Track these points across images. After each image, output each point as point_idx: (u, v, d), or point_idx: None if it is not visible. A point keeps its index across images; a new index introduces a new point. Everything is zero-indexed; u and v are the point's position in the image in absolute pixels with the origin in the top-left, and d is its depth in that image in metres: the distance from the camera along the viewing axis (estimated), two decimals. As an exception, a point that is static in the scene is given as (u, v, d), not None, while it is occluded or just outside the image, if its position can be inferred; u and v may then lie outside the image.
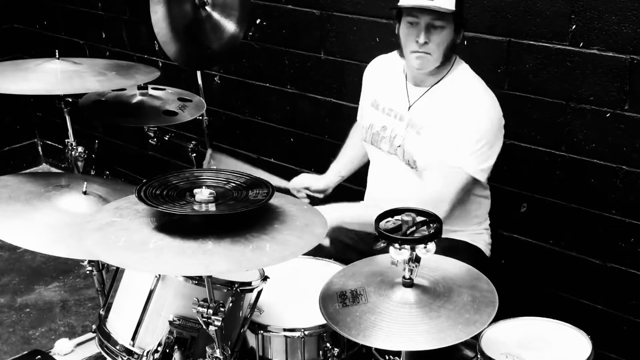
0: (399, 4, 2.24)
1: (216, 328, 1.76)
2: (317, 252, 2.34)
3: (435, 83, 2.33)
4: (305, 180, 2.64)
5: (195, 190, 1.77)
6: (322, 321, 1.79)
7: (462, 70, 2.34)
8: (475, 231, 2.47)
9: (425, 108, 2.33)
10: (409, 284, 1.73)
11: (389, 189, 2.45)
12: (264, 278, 2.00)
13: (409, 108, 2.37)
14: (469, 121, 2.22)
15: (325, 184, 2.64)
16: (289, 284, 2.25)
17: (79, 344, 2.51)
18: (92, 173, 4.06)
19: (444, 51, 2.24)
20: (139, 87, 2.66)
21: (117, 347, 1.96)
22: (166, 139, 2.73)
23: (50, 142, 4.99)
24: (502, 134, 2.29)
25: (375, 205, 2.34)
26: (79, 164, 2.61)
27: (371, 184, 2.58)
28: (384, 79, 2.48)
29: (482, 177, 2.27)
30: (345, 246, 2.48)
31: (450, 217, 2.26)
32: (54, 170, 4.99)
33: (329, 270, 2.09)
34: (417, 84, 2.37)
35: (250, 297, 2.00)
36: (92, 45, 4.29)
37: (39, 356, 2.42)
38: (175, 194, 1.81)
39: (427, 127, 2.30)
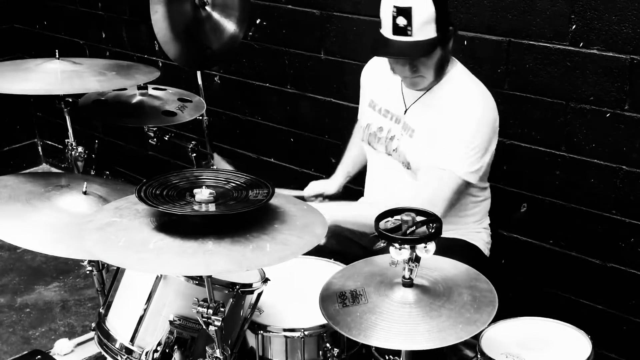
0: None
1: (216, 328, 1.76)
2: (320, 248, 2.34)
3: (431, 86, 2.32)
4: (318, 187, 2.67)
5: (195, 190, 1.77)
6: (322, 321, 1.79)
7: (457, 72, 2.33)
8: (474, 230, 2.46)
9: (421, 111, 2.33)
10: (408, 283, 1.73)
11: (385, 190, 2.45)
12: (265, 280, 2.00)
13: (405, 112, 2.37)
14: (460, 123, 2.21)
15: (337, 187, 2.68)
16: (289, 284, 2.25)
17: (79, 344, 2.51)
18: (92, 173, 4.08)
19: (435, 69, 2.24)
20: (139, 87, 2.66)
21: (117, 346, 1.96)
22: (166, 139, 2.73)
23: (50, 142, 4.99)
24: (496, 136, 2.27)
25: (371, 204, 2.33)
26: (79, 164, 2.61)
27: (368, 184, 2.58)
28: (380, 80, 2.47)
29: (474, 179, 2.24)
30: (348, 241, 2.48)
31: (445, 216, 2.25)
32: (54, 170, 4.99)
33: (329, 270, 2.09)
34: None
35: (251, 298, 2.00)
36: (92, 45, 4.29)
37: (39, 356, 2.42)
38: (175, 194, 1.81)
39: (420, 129, 2.30)
